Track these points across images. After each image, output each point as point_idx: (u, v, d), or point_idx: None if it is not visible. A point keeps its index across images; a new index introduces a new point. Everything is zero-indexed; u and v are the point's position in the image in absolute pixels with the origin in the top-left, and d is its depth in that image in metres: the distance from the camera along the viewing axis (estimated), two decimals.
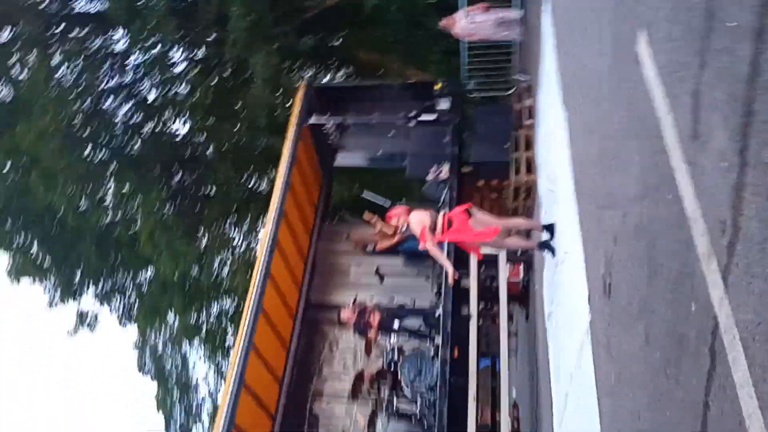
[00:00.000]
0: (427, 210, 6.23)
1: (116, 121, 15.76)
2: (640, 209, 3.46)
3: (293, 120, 9.93)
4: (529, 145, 9.29)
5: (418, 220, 6.13)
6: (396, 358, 8.52)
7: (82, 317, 17.49)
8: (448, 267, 6.34)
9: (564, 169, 5.93)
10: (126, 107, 15.99)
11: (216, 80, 15.12)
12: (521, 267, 8.97)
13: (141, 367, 20.18)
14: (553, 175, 6.83)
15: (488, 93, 11.12)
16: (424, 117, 10.28)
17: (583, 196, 5.15)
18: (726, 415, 2.26)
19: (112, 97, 15.59)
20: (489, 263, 8.54)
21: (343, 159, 11.80)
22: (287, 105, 13.00)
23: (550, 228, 6.24)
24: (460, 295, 8.65)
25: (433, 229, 6.14)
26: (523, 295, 9.15)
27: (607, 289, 4.08)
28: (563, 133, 6.11)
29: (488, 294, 8.61)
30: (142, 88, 16.07)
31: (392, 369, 8.51)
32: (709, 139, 2.59)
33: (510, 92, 10.54)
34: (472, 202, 10.29)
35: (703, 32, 2.68)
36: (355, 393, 8.71)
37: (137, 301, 17.72)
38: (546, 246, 6.28)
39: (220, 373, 19.42)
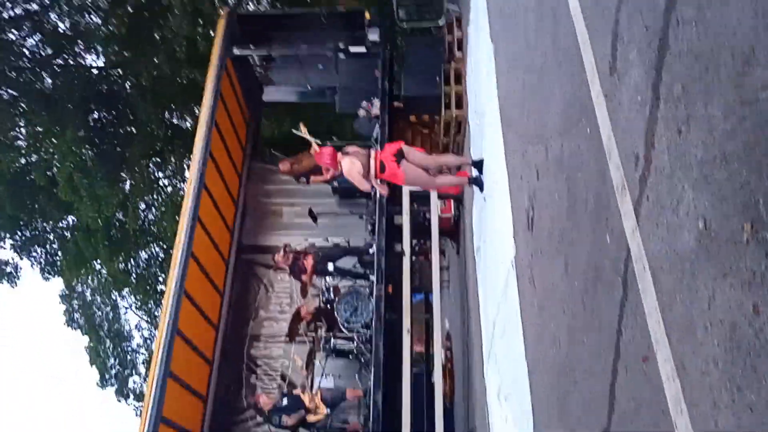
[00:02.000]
0: (356, 151, 6.07)
1: (24, 53, 14.57)
2: (561, 143, 3.50)
3: (215, 52, 9.42)
4: (459, 79, 9.23)
5: (349, 167, 6.00)
6: (332, 297, 8.59)
7: (1, 269, 16.65)
8: (382, 190, 6.30)
9: (491, 103, 5.93)
10: (33, 39, 14.78)
11: (131, 9, 14.09)
12: (452, 203, 9.08)
13: (69, 322, 19.62)
14: (480, 109, 6.83)
15: (419, 24, 10.87)
16: (354, 49, 9.99)
17: (509, 131, 5.18)
18: (637, 341, 2.37)
19: (16, 27, 14.33)
20: (421, 199, 8.60)
21: (270, 94, 11.41)
22: (209, 36, 12.30)
23: (479, 164, 6.28)
24: (393, 232, 8.72)
25: (366, 173, 6.04)
26: (454, 230, 9.31)
27: (530, 222, 4.17)
28: (490, 66, 6.07)
29: (421, 230, 8.71)
30: (50, 17, 14.83)
31: (329, 308, 8.59)
32: (625, 73, 2.60)
33: (441, 24, 10.34)
34: (402, 140, 10.26)
35: None
36: (292, 334, 8.77)
37: (60, 250, 16.95)
38: (475, 182, 6.34)
39: (153, 321, 19.13)
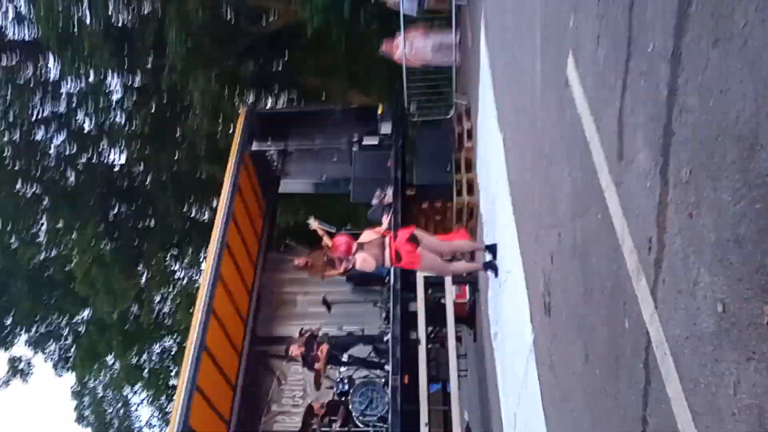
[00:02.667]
0: (370, 242, 6.07)
1: (49, 152, 15.17)
2: (573, 228, 3.53)
3: (234, 147, 9.78)
4: (469, 166, 9.44)
5: (362, 264, 6.06)
6: (346, 388, 8.37)
7: (14, 366, 16.51)
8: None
9: (502, 189, 6.03)
10: (59, 138, 15.44)
11: (154, 108, 14.79)
12: (467, 288, 9.02)
13: (80, 419, 19.21)
14: (492, 196, 6.93)
15: (429, 116, 11.28)
16: (367, 141, 10.33)
17: (521, 216, 5.23)
18: (663, 429, 2.28)
19: (44, 127, 15.01)
20: (435, 285, 8.56)
21: (286, 186, 11.70)
22: (228, 132, 12.81)
23: (492, 248, 6.30)
24: (408, 319, 8.62)
25: (381, 264, 6.09)
26: (470, 316, 9.19)
27: (547, 307, 4.13)
28: (500, 154, 6.22)
29: (436, 317, 8.61)
30: (76, 117, 15.56)
31: (343, 400, 8.36)
32: (633, 159, 2.66)
33: (450, 115, 10.71)
34: (415, 224, 10.36)
35: (625, 56, 2.78)
36: (305, 429, 8.49)
37: (74, 345, 16.86)
38: (490, 266, 6.33)
39: (164, 417, 18.67)
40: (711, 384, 1.98)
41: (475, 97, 8.91)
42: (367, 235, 6.15)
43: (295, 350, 8.23)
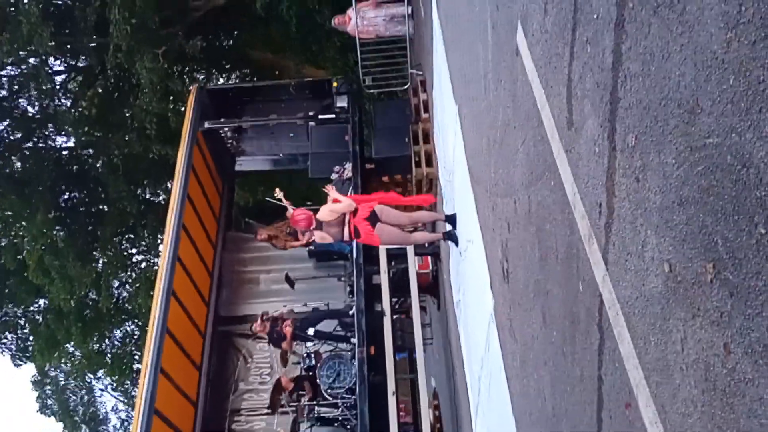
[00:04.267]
0: (329, 222, 6.04)
1: None
2: (528, 196, 3.59)
3: (186, 126, 9.55)
4: (427, 138, 9.46)
5: (321, 239, 6.11)
6: (313, 363, 8.43)
7: None
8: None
9: (459, 160, 6.07)
10: (1, 124, 14.80)
11: (100, 90, 14.28)
12: (429, 258, 9.12)
13: (43, 408, 18.87)
14: (450, 167, 6.98)
15: (385, 89, 11.21)
16: (323, 116, 10.22)
17: (478, 186, 5.29)
18: (618, 388, 2.38)
19: None
20: (398, 257, 8.62)
21: (243, 164, 11.52)
22: (179, 112, 12.48)
23: (451, 219, 6.36)
24: (372, 292, 8.68)
25: (340, 239, 6.13)
26: (434, 286, 9.31)
27: (505, 274, 4.21)
28: (455, 125, 6.26)
29: (400, 288, 8.70)
30: (19, 102, 14.92)
31: (310, 375, 8.42)
32: (582, 126, 2.71)
33: (406, 87, 10.67)
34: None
35: (572, 24, 2.80)
36: (274, 405, 8.54)
37: (32, 335, 16.45)
38: (450, 237, 6.41)
39: (130, 402, 18.48)
40: (660, 342, 2.07)
41: (430, 69, 8.89)
42: (326, 212, 6.12)
43: (259, 327, 8.23)
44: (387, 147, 9.92)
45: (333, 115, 10.15)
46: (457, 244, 6.27)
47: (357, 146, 9.89)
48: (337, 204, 6.11)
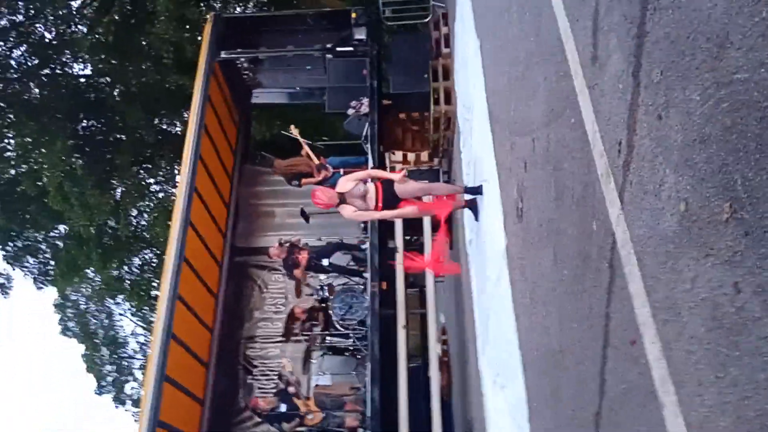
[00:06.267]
0: (350, 189, 5.78)
1: (9, 64, 14.51)
2: (547, 134, 3.54)
3: (203, 56, 9.41)
4: (447, 74, 9.26)
5: (352, 215, 5.86)
6: (326, 295, 8.61)
7: None
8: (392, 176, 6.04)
9: (478, 97, 5.96)
10: (19, 50, 14.72)
11: (117, 17, 14.04)
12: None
13: (65, 331, 19.59)
14: (468, 104, 6.86)
15: (405, 21, 10.90)
16: (341, 48, 10.00)
17: (497, 124, 5.21)
18: (624, 325, 2.40)
19: (1, 39, 14.26)
20: None
21: (259, 96, 11.41)
22: (196, 41, 12.29)
23: (473, 190, 6.10)
24: (385, 229, 8.74)
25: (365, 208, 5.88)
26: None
27: (520, 213, 4.21)
28: (477, 61, 6.11)
29: (413, 226, 8.74)
30: (36, 27, 14.77)
31: (323, 306, 8.62)
32: (606, 61, 2.63)
33: (427, 20, 10.37)
34: (394, 137, 10.24)
35: None
36: (287, 333, 8.78)
37: (53, 260, 16.91)
38: (471, 207, 6.19)
39: (148, 327, 19.11)
40: (670, 280, 2.07)
41: (453, 2, 8.61)
42: (345, 184, 5.80)
43: (276, 252, 8.38)
44: (405, 83, 9.72)
45: (351, 48, 9.92)
46: (476, 217, 6.08)
47: (375, 81, 9.71)
48: (354, 173, 5.92)
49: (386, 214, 5.93)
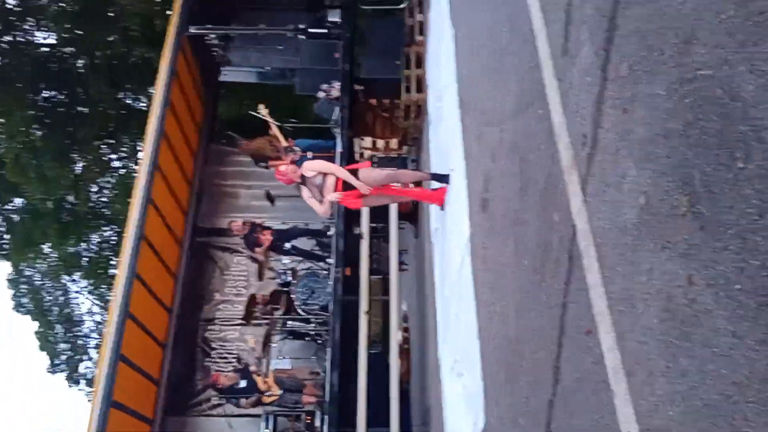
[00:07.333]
0: (312, 178, 5.67)
1: None
2: (515, 126, 3.55)
3: (171, 29, 9.16)
4: (419, 62, 9.22)
5: (305, 197, 5.73)
6: (289, 279, 8.54)
7: None
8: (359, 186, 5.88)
9: (450, 86, 5.95)
10: None
11: None
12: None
13: (17, 307, 19.02)
14: (439, 93, 6.85)
15: (380, 6, 10.80)
16: (314, 30, 9.87)
17: (467, 114, 5.22)
18: (580, 315, 2.44)
19: None
20: None
21: (229, 74, 11.20)
22: (165, 14, 11.97)
23: (439, 178, 6.04)
24: (352, 215, 8.70)
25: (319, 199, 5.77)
26: (413, 213, 9.35)
27: (484, 204, 4.23)
28: (450, 50, 6.09)
29: (379, 213, 8.72)
30: None
31: (285, 291, 8.54)
32: (577, 54, 2.64)
33: (403, 5, 10.29)
34: (363, 124, 10.14)
35: None
36: (247, 317, 8.69)
37: (8, 233, 16.37)
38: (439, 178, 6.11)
39: (105, 306, 18.68)
40: (627, 272, 2.10)
41: None
42: (308, 170, 5.66)
43: (238, 227, 8.27)
44: (378, 68, 9.65)
45: (324, 30, 9.80)
46: (442, 208, 6.03)
47: (347, 65, 9.62)
48: (318, 163, 5.82)
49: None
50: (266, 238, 8.27)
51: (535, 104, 3.19)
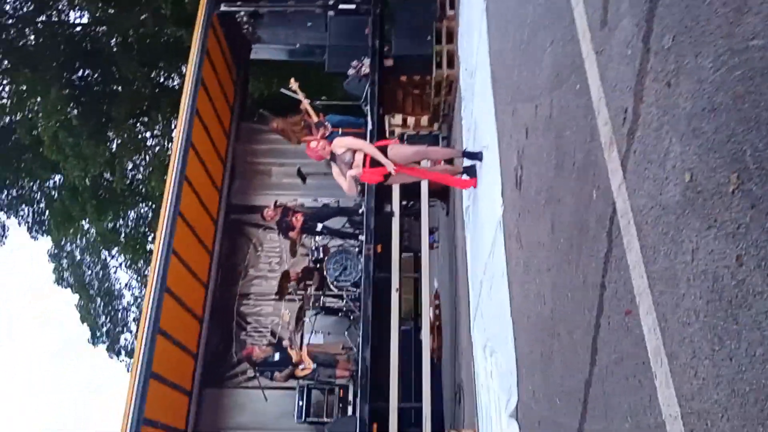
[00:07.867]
0: (342, 154, 5.64)
1: (4, 10, 14.17)
2: (550, 101, 3.46)
3: (202, 8, 9.20)
4: (451, 37, 9.09)
5: (335, 174, 5.70)
6: (321, 256, 8.60)
7: None
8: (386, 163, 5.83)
9: (482, 61, 5.85)
10: None
11: None
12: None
13: (59, 280, 19.60)
14: (471, 68, 6.74)
15: None
16: (343, 6, 9.78)
17: (500, 89, 5.12)
18: (620, 295, 2.39)
19: None
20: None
21: (258, 52, 11.20)
22: None
23: (471, 156, 5.97)
24: (383, 193, 8.69)
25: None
26: (444, 191, 9.30)
27: (518, 181, 4.17)
28: (482, 23, 5.97)
29: (411, 191, 8.70)
30: None
31: (318, 267, 8.62)
32: (616, 26, 2.55)
33: None
34: (394, 102, 10.05)
35: None
36: (281, 292, 8.81)
37: (47, 209, 16.83)
38: (470, 173, 6.04)
39: (143, 280, 19.14)
40: (670, 252, 2.04)
41: None
42: (338, 147, 5.64)
43: (270, 213, 8.36)
44: (408, 44, 9.54)
45: (354, 6, 9.71)
46: (475, 185, 5.92)
47: (377, 41, 9.52)
48: (348, 139, 5.78)
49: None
50: (297, 220, 8.33)
51: (572, 78, 3.10)
